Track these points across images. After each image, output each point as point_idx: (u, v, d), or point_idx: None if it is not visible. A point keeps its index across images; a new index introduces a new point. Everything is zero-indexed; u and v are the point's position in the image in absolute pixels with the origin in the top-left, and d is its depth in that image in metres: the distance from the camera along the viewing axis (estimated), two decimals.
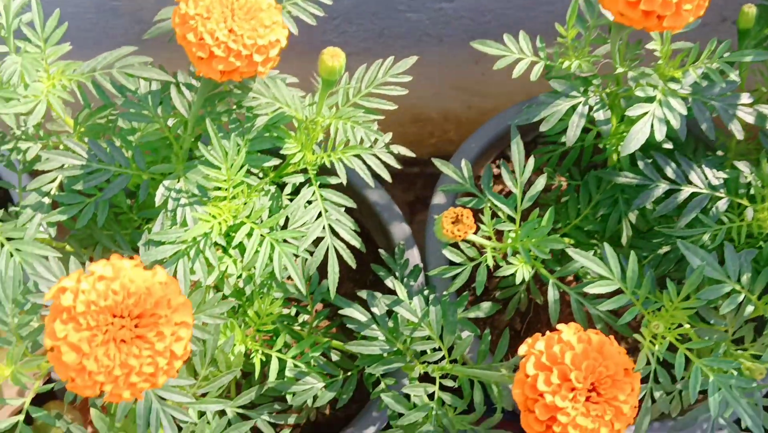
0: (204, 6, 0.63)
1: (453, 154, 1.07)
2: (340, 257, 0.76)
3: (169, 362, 0.54)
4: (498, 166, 1.08)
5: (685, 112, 0.70)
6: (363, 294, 0.81)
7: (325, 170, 0.79)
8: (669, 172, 0.75)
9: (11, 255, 0.69)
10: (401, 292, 0.80)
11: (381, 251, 0.88)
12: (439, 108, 1.40)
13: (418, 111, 1.38)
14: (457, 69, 1.35)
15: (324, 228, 0.74)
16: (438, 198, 0.99)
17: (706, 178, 0.75)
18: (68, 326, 0.52)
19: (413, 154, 0.87)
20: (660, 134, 0.68)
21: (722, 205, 0.74)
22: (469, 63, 1.33)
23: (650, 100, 0.69)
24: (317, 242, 0.75)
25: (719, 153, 0.84)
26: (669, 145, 0.77)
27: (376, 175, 0.78)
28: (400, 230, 0.98)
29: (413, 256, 0.95)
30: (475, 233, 0.71)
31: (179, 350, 0.54)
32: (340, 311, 0.79)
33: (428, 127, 1.42)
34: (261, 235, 0.70)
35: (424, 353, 0.79)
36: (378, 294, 0.80)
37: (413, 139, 1.41)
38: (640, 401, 0.70)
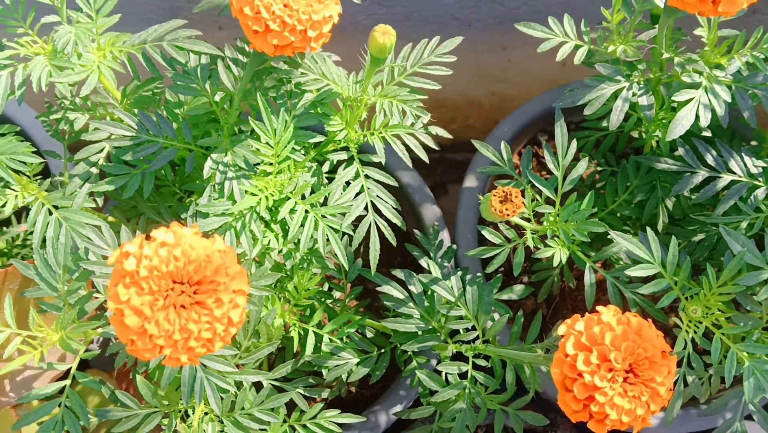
0: None
1: (474, 140, 1.10)
2: (380, 234, 0.79)
3: (226, 329, 0.56)
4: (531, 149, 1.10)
5: (729, 100, 0.72)
6: (398, 273, 0.83)
7: (363, 149, 0.81)
8: (709, 159, 0.77)
9: (60, 224, 0.71)
10: (436, 271, 0.83)
11: (416, 231, 0.91)
12: (462, 93, 1.42)
13: (441, 96, 1.40)
14: (483, 55, 1.37)
15: (366, 206, 0.77)
16: (470, 181, 1.02)
17: (746, 167, 0.77)
18: (131, 290, 0.54)
19: (450, 136, 0.89)
20: (705, 120, 0.71)
21: (761, 193, 0.76)
22: (495, 49, 1.35)
23: (696, 86, 0.72)
24: (356, 220, 0.78)
25: (753, 143, 0.87)
26: (708, 133, 0.79)
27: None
28: (431, 212, 1.00)
29: (445, 238, 0.97)
30: None
31: (236, 317, 0.56)
32: (379, 288, 0.82)
33: (450, 113, 1.45)
34: (305, 210, 0.72)
35: (456, 332, 0.82)
36: (414, 273, 0.83)
37: (435, 124, 1.44)
38: (674, 384, 0.73)
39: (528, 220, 0.78)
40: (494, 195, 0.67)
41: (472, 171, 1.02)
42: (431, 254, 0.88)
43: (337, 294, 0.90)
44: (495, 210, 0.67)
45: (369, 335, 0.86)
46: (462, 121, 1.48)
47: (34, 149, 0.73)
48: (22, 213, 0.96)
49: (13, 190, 0.73)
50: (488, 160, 0.87)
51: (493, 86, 1.43)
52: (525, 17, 1.30)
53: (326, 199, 0.77)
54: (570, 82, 1.08)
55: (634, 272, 0.70)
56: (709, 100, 0.71)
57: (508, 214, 0.67)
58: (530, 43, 1.25)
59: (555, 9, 1.31)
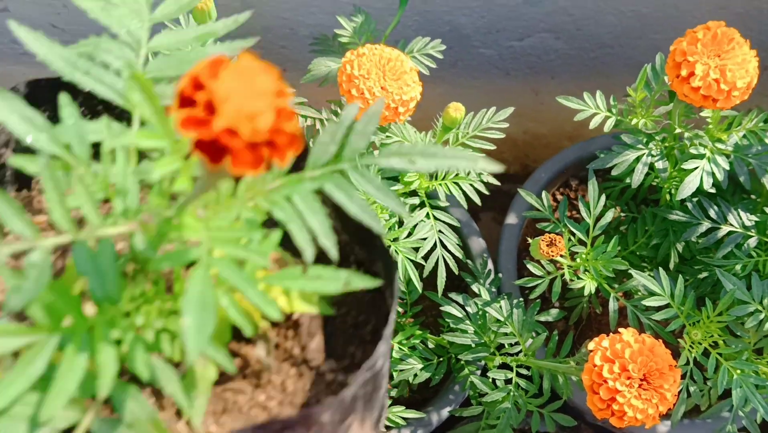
0: (365, 69, 0.88)
1: (521, 189, 1.33)
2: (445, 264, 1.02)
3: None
4: (562, 194, 1.33)
5: (728, 168, 0.95)
6: (456, 297, 1.06)
7: (430, 195, 1.04)
8: (712, 213, 1.00)
9: None
10: (485, 295, 1.06)
11: (468, 261, 1.14)
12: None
13: None
14: (518, 97, 1.60)
15: (435, 242, 1.00)
16: (511, 219, 1.25)
17: (741, 220, 0.99)
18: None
19: (497, 182, 1.12)
20: (707, 185, 0.93)
21: (753, 242, 0.98)
22: (529, 93, 1.59)
23: (701, 156, 0.94)
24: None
25: (753, 196, 1.09)
26: (713, 190, 1.02)
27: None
28: (478, 244, 1.23)
29: (490, 265, 1.20)
30: None
31: None
32: (442, 308, 1.05)
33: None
34: (388, 243, 0.95)
35: (502, 346, 1.04)
36: (470, 296, 1.06)
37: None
38: (679, 392, 0.95)
39: (564, 257, 1.00)
40: (542, 240, 0.90)
41: (513, 210, 1.25)
42: (481, 281, 1.11)
43: (400, 310, 1.13)
44: (543, 251, 0.90)
45: (430, 345, 1.09)
46: (497, 155, 1.70)
47: None
48: None
49: None
50: (527, 204, 1.10)
51: (526, 125, 1.66)
52: (557, 69, 1.55)
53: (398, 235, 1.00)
54: (596, 137, 1.31)
55: (649, 302, 0.93)
56: (712, 168, 0.94)
57: (552, 255, 0.90)
58: (561, 90, 1.49)
59: (584, 63, 1.55)
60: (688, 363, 0.95)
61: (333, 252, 0.36)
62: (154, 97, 0.33)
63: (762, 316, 0.90)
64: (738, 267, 0.97)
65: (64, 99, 0.38)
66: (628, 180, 1.00)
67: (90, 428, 0.32)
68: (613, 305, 1.02)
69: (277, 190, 0.36)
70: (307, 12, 1.46)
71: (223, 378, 0.39)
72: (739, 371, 0.91)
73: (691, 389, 0.97)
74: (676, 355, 0.99)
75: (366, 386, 0.37)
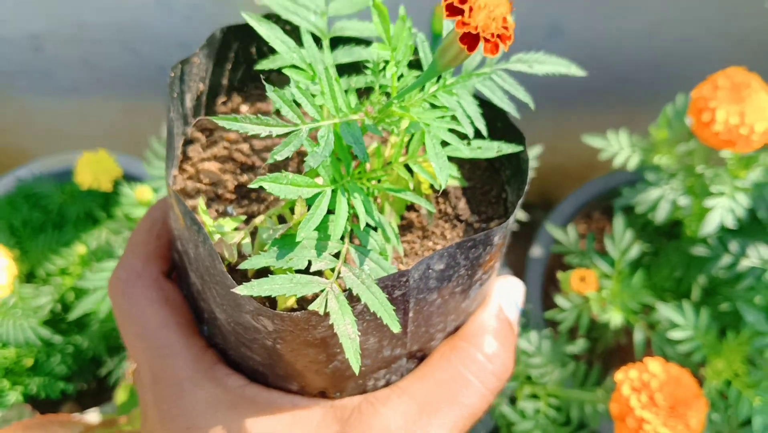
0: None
1: (550, 225, 1.41)
2: None
3: None
4: (585, 225, 1.41)
5: (747, 205, 1.03)
6: None
7: None
8: (732, 248, 1.07)
9: None
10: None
11: None
12: None
13: None
14: (540, 128, 1.69)
15: None
16: (536, 251, 1.33)
17: (760, 255, 1.07)
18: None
19: (526, 219, 1.20)
20: (728, 222, 1.01)
21: None
22: (550, 124, 1.68)
23: (721, 194, 1.03)
24: None
25: None
26: (733, 225, 1.10)
27: None
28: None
29: None
30: None
31: None
32: None
33: None
34: None
35: (529, 376, 1.12)
36: None
37: None
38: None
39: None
40: (574, 275, 0.98)
41: (538, 243, 1.34)
42: None
43: None
44: (575, 286, 0.98)
45: None
46: None
47: None
48: None
49: None
50: (552, 237, 1.19)
51: (547, 155, 1.74)
52: (579, 100, 1.63)
53: None
54: (618, 171, 1.39)
55: (674, 333, 1.01)
56: (731, 205, 1.02)
57: (583, 290, 0.98)
58: (582, 121, 1.57)
59: (608, 94, 1.64)
60: (710, 392, 1.02)
61: (484, 130, 0.53)
62: (387, 21, 0.50)
63: None
64: (757, 299, 1.05)
65: (305, 34, 0.55)
66: (650, 215, 1.08)
67: (348, 251, 0.49)
68: (638, 337, 1.09)
69: (445, 88, 0.53)
70: None
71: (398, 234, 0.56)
72: (759, 400, 0.99)
73: (713, 416, 1.05)
74: (699, 384, 1.07)
75: (507, 233, 0.53)
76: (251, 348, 0.52)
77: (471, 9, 0.42)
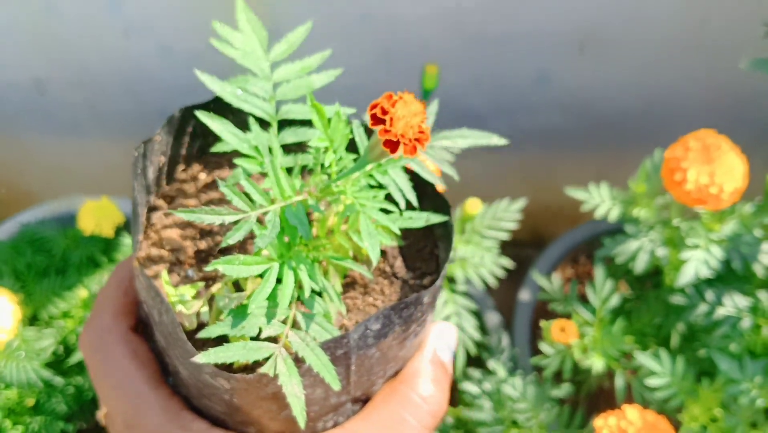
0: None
1: (536, 274, 1.47)
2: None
3: None
4: (572, 270, 1.47)
5: (721, 257, 1.09)
6: (476, 373, 1.20)
7: (449, 278, 1.19)
8: (708, 296, 1.13)
9: None
10: (501, 372, 1.19)
11: (482, 340, 1.27)
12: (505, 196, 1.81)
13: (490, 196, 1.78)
14: (530, 170, 1.76)
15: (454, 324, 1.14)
16: (523, 295, 1.39)
17: (735, 303, 1.13)
18: None
19: (512, 267, 1.26)
20: (702, 273, 1.07)
21: (746, 323, 1.12)
22: (540, 166, 1.75)
23: (695, 247, 1.09)
24: None
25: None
26: (710, 274, 1.16)
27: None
28: (493, 317, 1.37)
29: (505, 340, 1.34)
30: None
31: None
32: (460, 385, 1.18)
33: None
34: None
35: (515, 420, 1.17)
36: (489, 371, 1.19)
37: None
38: None
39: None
40: (555, 325, 1.04)
41: (526, 287, 1.39)
42: (497, 357, 1.25)
43: None
44: (555, 336, 1.03)
45: (450, 419, 1.22)
46: None
47: None
48: None
49: None
50: (537, 286, 1.25)
51: (538, 195, 1.81)
52: (567, 143, 1.70)
53: None
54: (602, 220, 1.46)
55: (651, 380, 1.06)
56: (706, 257, 1.08)
57: (563, 340, 1.03)
58: (571, 163, 1.64)
59: (595, 138, 1.71)
60: None
61: (415, 201, 0.61)
62: (324, 117, 0.58)
63: (754, 393, 1.03)
64: (733, 346, 1.11)
65: (252, 120, 0.63)
66: (630, 265, 1.14)
67: (296, 318, 0.56)
68: (619, 382, 1.15)
69: (379, 168, 0.61)
70: None
71: (342, 292, 0.65)
72: None
73: None
74: (676, 429, 1.12)
75: (436, 292, 0.61)
76: (211, 400, 0.60)
77: (391, 119, 0.51)
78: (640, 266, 1.12)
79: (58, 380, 1.23)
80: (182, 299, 0.60)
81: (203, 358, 0.51)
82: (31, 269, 1.32)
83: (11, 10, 1.47)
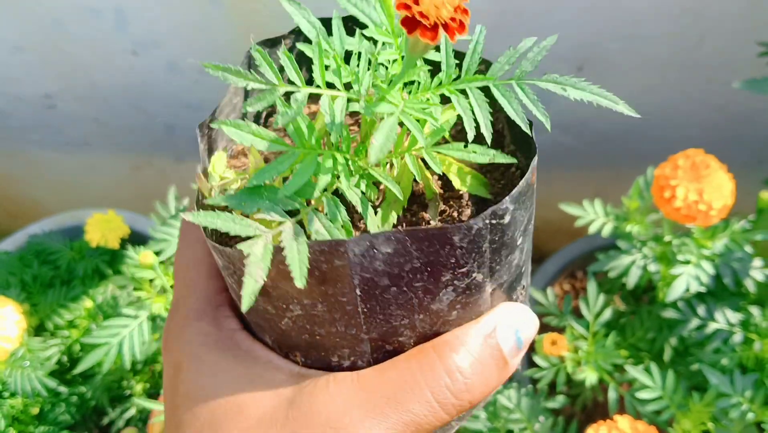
0: None
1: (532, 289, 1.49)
2: None
3: None
4: (569, 284, 1.49)
5: (713, 273, 1.11)
6: None
7: None
8: (700, 311, 1.15)
9: None
10: None
11: None
12: None
13: None
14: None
15: None
16: None
17: (727, 318, 1.15)
18: None
19: None
20: (693, 288, 1.09)
21: (737, 338, 1.13)
22: (542, 183, 1.77)
23: (686, 263, 1.11)
24: None
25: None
26: (703, 290, 1.17)
27: None
28: None
29: None
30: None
31: None
32: None
33: None
34: None
35: (511, 431, 1.19)
36: None
37: None
38: None
39: (567, 351, 1.16)
40: (546, 338, 1.06)
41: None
42: None
43: None
44: (546, 349, 1.05)
45: None
46: None
47: None
48: None
49: None
50: (534, 299, 1.27)
51: (539, 211, 1.83)
52: (568, 161, 1.72)
53: None
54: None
55: (642, 394, 1.08)
56: (697, 273, 1.10)
57: (554, 353, 1.05)
58: (572, 179, 1.65)
59: (594, 155, 1.73)
60: None
61: (488, 136, 0.50)
62: (390, 9, 0.53)
63: (744, 407, 1.05)
64: (724, 360, 1.12)
65: (335, 21, 0.56)
66: (624, 279, 1.16)
67: (307, 216, 0.49)
68: (612, 395, 1.16)
69: (459, 83, 0.52)
70: None
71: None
72: None
73: None
74: None
75: (493, 233, 0.50)
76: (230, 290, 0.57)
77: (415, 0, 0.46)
78: (632, 280, 1.14)
79: (63, 389, 1.26)
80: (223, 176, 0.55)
81: (190, 217, 0.46)
82: (38, 280, 1.35)
83: (22, 28, 1.51)
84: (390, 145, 0.46)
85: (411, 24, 0.45)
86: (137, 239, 1.43)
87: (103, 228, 1.33)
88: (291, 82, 0.50)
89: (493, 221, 0.48)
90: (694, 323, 1.15)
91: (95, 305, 1.30)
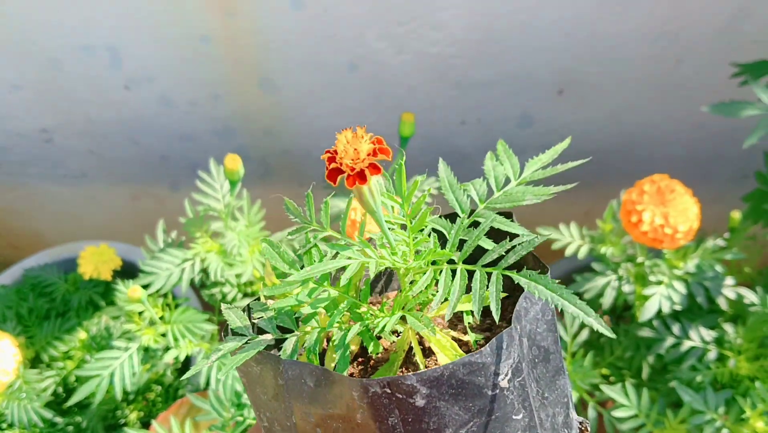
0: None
1: None
2: None
3: None
4: None
5: (685, 292, 1.13)
6: None
7: None
8: (675, 330, 1.18)
9: (219, 368, 1.13)
10: None
11: None
12: None
13: None
14: (520, 209, 1.80)
15: None
16: None
17: (701, 335, 1.17)
18: None
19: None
20: (665, 308, 1.12)
21: (712, 355, 1.16)
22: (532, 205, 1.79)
23: (659, 283, 1.13)
24: None
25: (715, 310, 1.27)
26: (678, 308, 1.20)
27: None
28: None
29: None
30: None
31: None
32: None
33: None
34: None
35: None
36: None
37: None
38: None
39: None
40: None
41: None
42: None
43: None
44: None
45: None
46: None
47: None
48: None
49: (191, 342, 1.17)
50: None
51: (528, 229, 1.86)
52: (552, 179, 1.74)
53: None
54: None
55: (618, 412, 1.10)
56: (669, 293, 1.12)
57: None
58: (555, 198, 1.67)
59: (577, 174, 1.75)
60: None
61: (497, 317, 0.54)
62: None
63: (718, 423, 1.07)
64: (699, 377, 1.15)
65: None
66: (600, 300, 1.19)
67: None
68: (591, 414, 1.19)
69: (454, 265, 0.57)
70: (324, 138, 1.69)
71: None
72: None
73: None
74: None
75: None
76: None
77: (336, 151, 0.52)
78: (607, 301, 1.17)
79: (59, 420, 1.29)
80: None
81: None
82: (33, 313, 1.39)
83: (19, 67, 1.56)
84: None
85: (333, 174, 0.51)
86: (131, 269, 1.47)
87: (95, 260, 1.36)
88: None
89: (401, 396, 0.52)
90: (670, 341, 1.17)
91: (89, 336, 1.34)
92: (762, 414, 1.05)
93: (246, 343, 0.60)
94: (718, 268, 1.15)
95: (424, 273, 0.59)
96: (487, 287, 0.55)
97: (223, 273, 1.12)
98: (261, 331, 0.62)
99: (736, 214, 1.23)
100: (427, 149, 1.74)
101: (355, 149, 0.51)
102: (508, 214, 0.65)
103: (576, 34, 1.49)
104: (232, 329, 0.62)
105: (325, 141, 1.71)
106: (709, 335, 1.17)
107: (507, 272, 0.56)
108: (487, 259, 0.57)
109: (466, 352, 0.61)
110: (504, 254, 0.58)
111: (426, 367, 0.61)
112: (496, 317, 0.53)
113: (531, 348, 0.59)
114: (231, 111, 1.63)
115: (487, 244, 0.61)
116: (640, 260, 1.17)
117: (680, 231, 1.03)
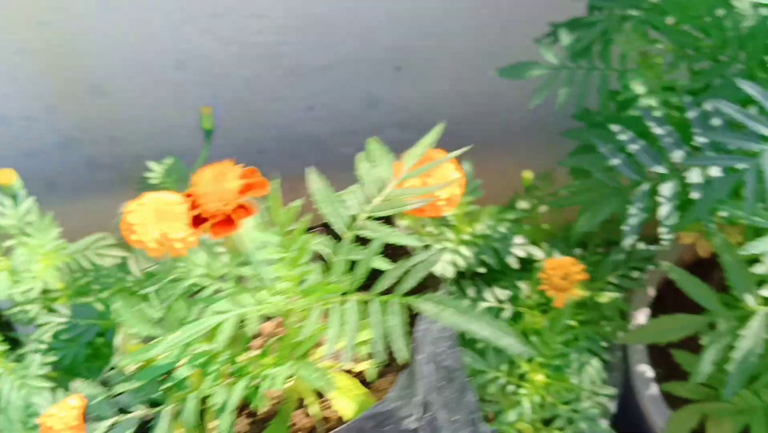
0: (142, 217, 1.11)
1: None
2: None
3: None
4: None
5: (471, 256, 1.16)
6: None
7: None
8: (470, 292, 1.20)
9: (19, 388, 1.13)
10: None
11: None
12: None
13: None
14: None
15: None
16: None
17: (496, 296, 1.20)
18: None
19: None
20: (449, 273, 1.14)
21: (507, 314, 1.19)
22: None
23: (443, 250, 1.16)
24: None
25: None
26: (482, 271, 1.22)
27: None
28: None
29: None
30: None
31: None
32: None
33: None
34: None
35: None
36: None
37: None
38: None
39: None
40: None
41: None
42: None
43: None
44: None
45: None
46: None
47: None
48: None
49: None
50: None
51: None
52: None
53: None
54: None
55: None
56: (453, 258, 1.15)
57: None
58: None
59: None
60: None
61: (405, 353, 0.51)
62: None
63: (502, 380, 1.10)
64: None
65: None
66: None
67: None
68: None
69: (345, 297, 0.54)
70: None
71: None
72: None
73: None
74: None
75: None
76: None
77: (196, 195, 0.47)
78: None
79: None
80: None
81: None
82: None
83: None
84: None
85: (198, 222, 0.47)
86: None
87: None
88: None
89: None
90: (465, 302, 1.20)
91: None
92: (541, 366, 1.08)
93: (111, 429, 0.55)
94: (502, 228, 1.17)
95: (311, 312, 0.53)
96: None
97: (9, 292, 1.13)
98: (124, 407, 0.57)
99: (528, 174, 1.25)
100: (280, 139, 1.76)
101: (220, 191, 0.45)
102: (388, 221, 0.60)
103: (398, 12, 1.51)
104: (89, 412, 0.57)
105: (176, 140, 1.71)
106: (504, 294, 1.20)
107: (408, 299, 0.52)
108: (383, 285, 0.53)
109: (363, 383, 0.58)
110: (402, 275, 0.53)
111: (324, 417, 0.58)
112: (404, 356, 0.48)
113: (437, 371, 0.56)
114: (71, 122, 1.63)
115: (381, 264, 0.55)
116: (428, 229, 1.19)
117: (442, 199, 1.05)
